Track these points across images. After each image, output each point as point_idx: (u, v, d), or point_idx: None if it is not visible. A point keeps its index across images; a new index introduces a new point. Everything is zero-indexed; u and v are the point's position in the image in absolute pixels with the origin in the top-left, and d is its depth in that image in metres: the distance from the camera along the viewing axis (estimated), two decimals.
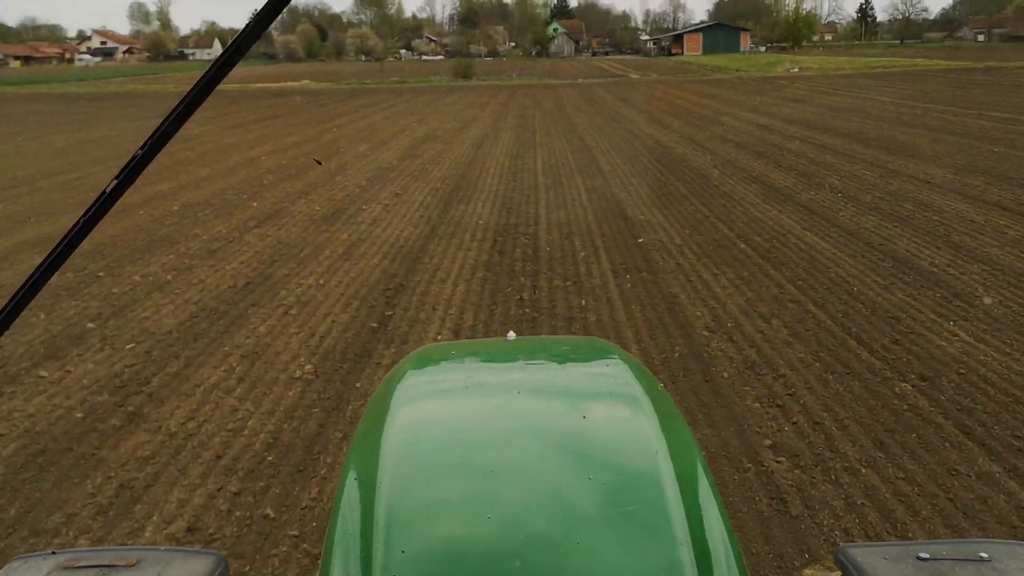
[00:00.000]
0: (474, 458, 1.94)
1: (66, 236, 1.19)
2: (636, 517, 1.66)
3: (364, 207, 14.14)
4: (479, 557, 1.58)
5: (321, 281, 9.55)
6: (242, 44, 1.14)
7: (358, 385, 6.52)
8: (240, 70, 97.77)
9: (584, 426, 2.05)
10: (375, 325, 7.98)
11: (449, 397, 2.41)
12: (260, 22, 1.12)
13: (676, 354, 6.97)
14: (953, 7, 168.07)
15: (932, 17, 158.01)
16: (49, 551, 2.07)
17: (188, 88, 1.19)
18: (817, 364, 6.63)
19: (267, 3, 1.12)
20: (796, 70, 65.64)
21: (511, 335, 3.06)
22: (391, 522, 1.64)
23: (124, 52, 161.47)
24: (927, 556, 1.92)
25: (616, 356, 2.61)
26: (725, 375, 6.48)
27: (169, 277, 9.93)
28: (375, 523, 1.64)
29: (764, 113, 29.24)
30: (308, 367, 6.93)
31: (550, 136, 24.51)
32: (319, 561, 1.77)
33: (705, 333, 7.43)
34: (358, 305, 8.62)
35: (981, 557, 1.92)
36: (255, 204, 14.66)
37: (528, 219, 12.77)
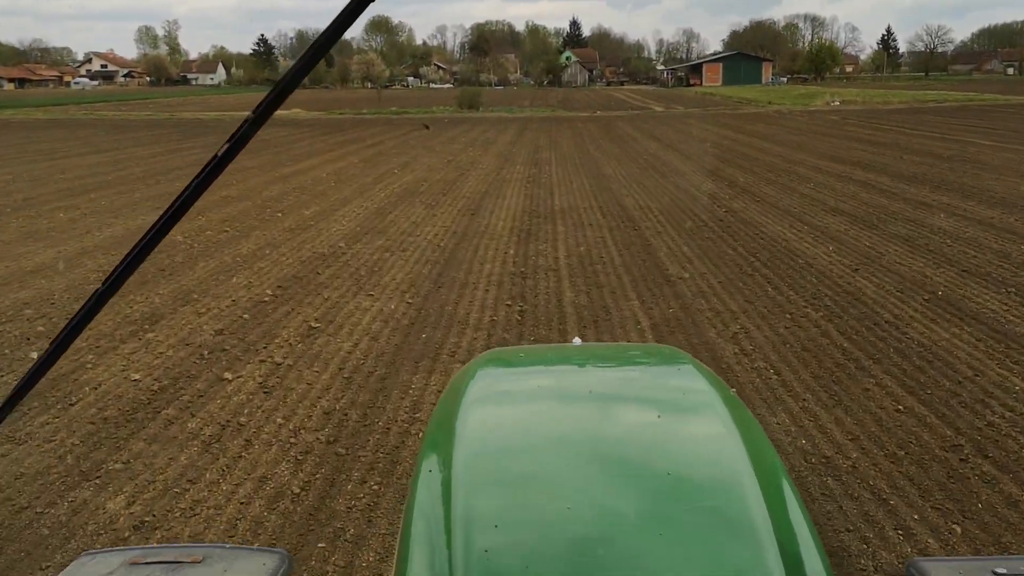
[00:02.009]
0: (551, 459, 1.90)
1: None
2: (719, 516, 1.62)
3: (236, 365, 7.30)
4: (560, 557, 1.54)
5: None
6: (298, 72, 1.10)
7: None
8: (233, 97, 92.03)
9: (660, 427, 2.03)
10: None
11: (522, 399, 2.39)
12: (319, 48, 1.08)
13: None
14: (972, 40, 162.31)
15: (951, 50, 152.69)
16: (117, 547, 2.03)
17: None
18: None
19: (328, 27, 1.07)
20: (837, 103, 59.13)
21: (576, 341, 3.15)
22: (470, 522, 1.60)
23: (124, 76, 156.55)
24: (1004, 571, 1.73)
25: (686, 362, 2.58)
26: None
27: None
28: (453, 524, 1.60)
29: (849, 162, 22.40)
30: None
31: (574, 196, 17.69)
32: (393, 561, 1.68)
33: None
34: None
35: None
36: (35, 354, 7.86)
37: None
